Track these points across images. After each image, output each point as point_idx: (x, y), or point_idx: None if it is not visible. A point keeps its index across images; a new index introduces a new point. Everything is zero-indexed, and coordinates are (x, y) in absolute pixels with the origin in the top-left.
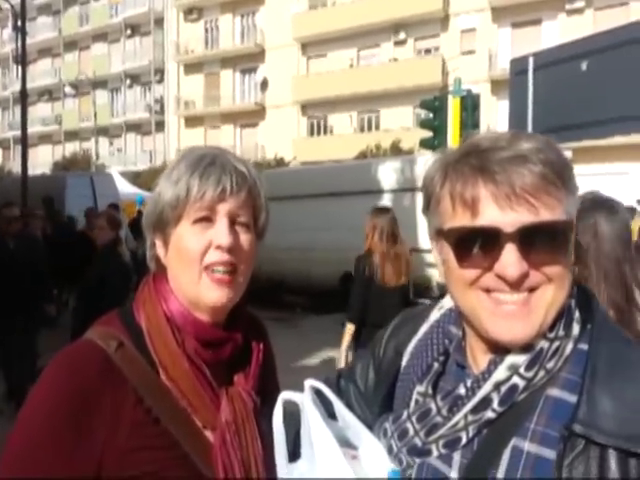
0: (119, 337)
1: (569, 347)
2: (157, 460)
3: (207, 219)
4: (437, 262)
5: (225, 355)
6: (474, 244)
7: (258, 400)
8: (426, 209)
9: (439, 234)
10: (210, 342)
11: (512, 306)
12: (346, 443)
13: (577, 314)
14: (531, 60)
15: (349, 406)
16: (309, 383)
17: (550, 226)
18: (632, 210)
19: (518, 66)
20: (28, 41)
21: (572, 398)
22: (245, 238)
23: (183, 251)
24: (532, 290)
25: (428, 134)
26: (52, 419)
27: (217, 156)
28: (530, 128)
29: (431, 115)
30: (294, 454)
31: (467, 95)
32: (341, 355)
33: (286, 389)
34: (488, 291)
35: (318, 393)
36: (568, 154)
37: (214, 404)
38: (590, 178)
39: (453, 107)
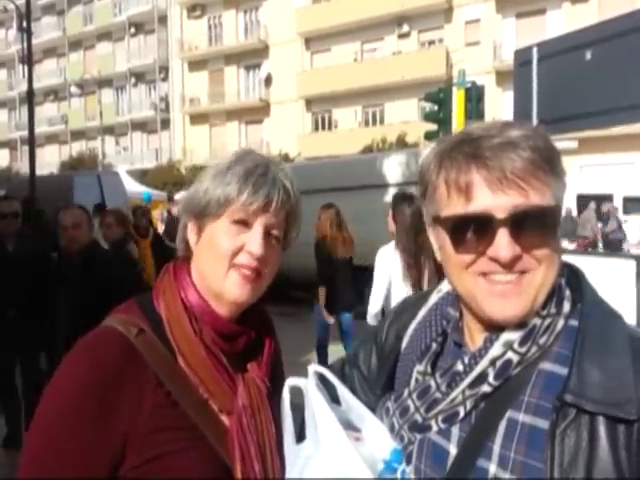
0: (138, 324)
1: (560, 323)
2: (176, 440)
3: (245, 223)
4: (435, 247)
5: (239, 347)
6: (469, 230)
7: (269, 386)
8: (423, 197)
9: (436, 221)
10: (225, 335)
11: (505, 286)
12: (350, 425)
13: (567, 292)
14: (535, 50)
15: (353, 391)
16: (313, 368)
17: (540, 210)
18: (639, 200)
19: (522, 57)
20: (33, 41)
21: (563, 371)
22: (274, 250)
23: (215, 246)
24: (523, 272)
25: (433, 127)
26: (76, 408)
27: (269, 168)
28: (535, 119)
29: (436, 108)
30: (300, 437)
31: (472, 87)
32: (321, 309)
33: None
34: (483, 274)
35: (322, 378)
36: (574, 144)
37: (231, 390)
38: (596, 168)
39: (458, 99)
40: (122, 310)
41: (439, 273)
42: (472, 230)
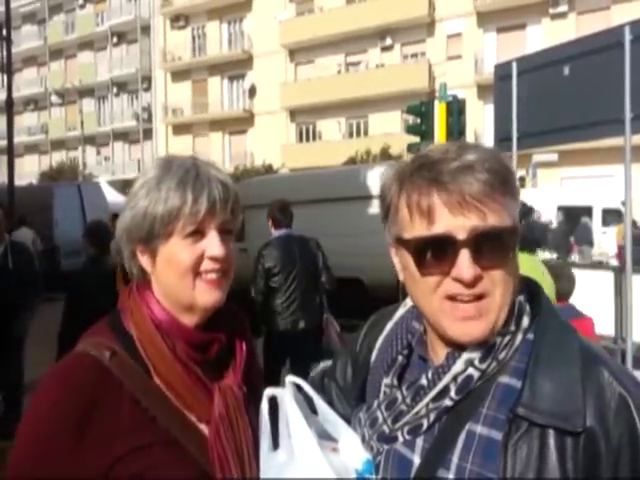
0: (112, 346)
1: (519, 338)
2: (158, 455)
3: (198, 232)
4: (397, 267)
5: (212, 355)
6: (432, 252)
7: (245, 391)
8: (385, 218)
9: (399, 242)
10: (197, 345)
11: (468, 310)
12: (326, 436)
13: (527, 308)
14: (514, 65)
15: (331, 402)
16: (289, 379)
17: (498, 231)
18: (617, 212)
19: (502, 71)
20: (13, 50)
21: (519, 384)
22: (232, 245)
23: (176, 263)
24: (483, 295)
25: (417, 139)
26: (53, 439)
27: (199, 168)
28: (515, 132)
29: (418, 120)
30: (275, 444)
31: (453, 100)
32: None
33: None
34: (449, 297)
35: (301, 390)
36: (554, 157)
37: (208, 399)
38: (577, 181)
39: (439, 112)
40: (94, 333)
41: None
42: (435, 252)
